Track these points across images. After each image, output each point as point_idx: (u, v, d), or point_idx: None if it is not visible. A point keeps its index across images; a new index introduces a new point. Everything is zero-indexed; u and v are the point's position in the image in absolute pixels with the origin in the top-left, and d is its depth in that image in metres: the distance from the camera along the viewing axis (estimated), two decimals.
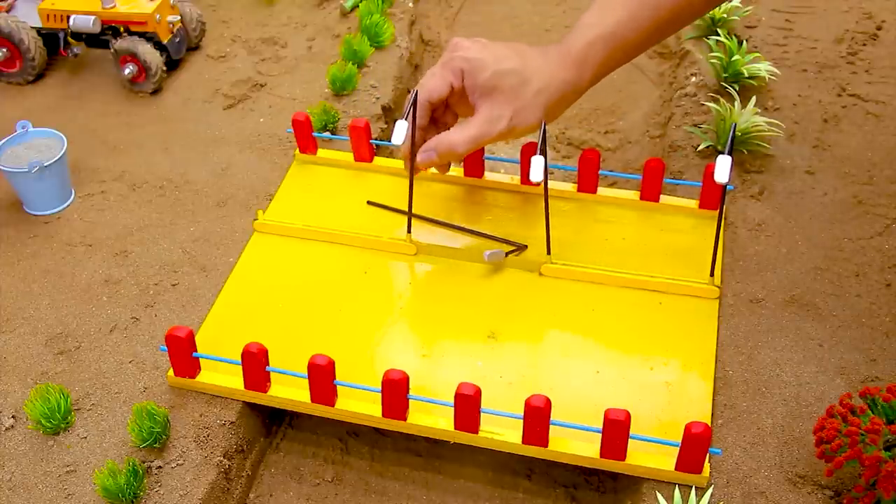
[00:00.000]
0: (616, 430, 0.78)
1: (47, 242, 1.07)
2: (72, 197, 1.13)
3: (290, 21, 1.45)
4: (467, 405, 0.81)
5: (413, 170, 0.97)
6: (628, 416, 0.77)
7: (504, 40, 0.95)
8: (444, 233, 1.03)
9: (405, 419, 0.84)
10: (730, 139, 0.86)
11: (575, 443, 0.82)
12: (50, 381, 0.90)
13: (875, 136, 1.16)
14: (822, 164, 1.12)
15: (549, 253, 0.97)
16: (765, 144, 1.12)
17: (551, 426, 0.80)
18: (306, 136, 1.13)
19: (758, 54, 1.24)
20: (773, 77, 1.22)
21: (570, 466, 0.86)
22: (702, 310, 0.94)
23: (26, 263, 1.04)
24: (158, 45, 1.28)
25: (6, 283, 1.02)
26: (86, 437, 0.86)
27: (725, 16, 1.31)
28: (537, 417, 0.79)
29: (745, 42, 1.24)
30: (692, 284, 0.95)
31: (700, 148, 1.13)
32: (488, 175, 1.10)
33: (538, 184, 0.86)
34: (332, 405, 0.86)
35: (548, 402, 0.79)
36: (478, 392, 0.80)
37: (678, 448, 0.78)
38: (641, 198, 1.05)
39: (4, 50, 1.30)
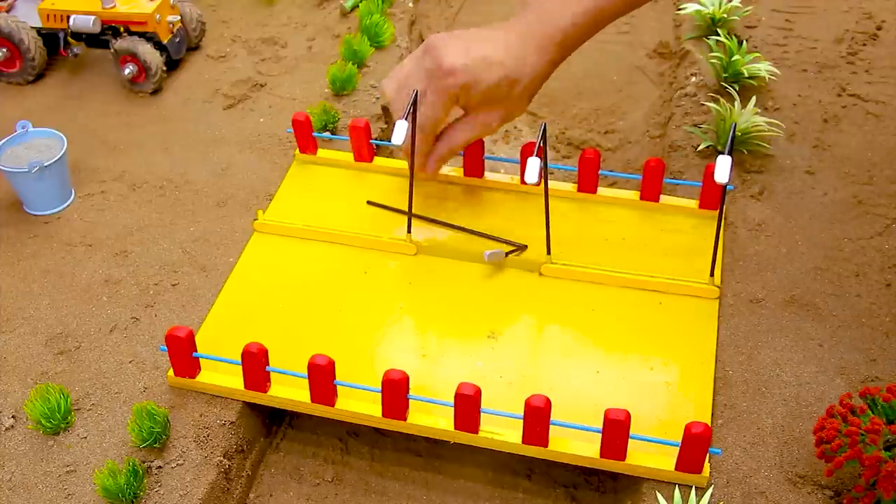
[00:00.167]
0: (616, 430, 0.78)
1: (47, 242, 1.07)
2: (72, 197, 1.13)
3: (290, 21, 1.45)
4: (467, 405, 0.81)
5: (413, 170, 0.97)
6: (628, 416, 0.77)
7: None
8: (444, 233, 1.03)
9: (405, 419, 0.84)
10: (730, 139, 0.86)
11: (575, 443, 0.82)
12: (50, 381, 0.90)
13: (875, 136, 1.16)
14: (822, 164, 1.12)
15: (549, 253, 0.98)
16: (765, 144, 1.12)
17: (551, 426, 0.80)
18: (306, 136, 1.13)
19: (758, 54, 1.24)
20: (773, 77, 1.22)
21: (570, 466, 0.86)
22: (702, 310, 0.94)
23: (26, 263, 1.04)
24: (158, 45, 1.28)
25: (6, 283, 1.02)
26: (86, 437, 0.86)
27: (725, 16, 1.31)
28: (537, 417, 0.79)
29: (745, 42, 1.24)
30: (692, 284, 0.95)
31: (700, 148, 1.13)
32: (488, 175, 1.10)
33: (536, 184, 0.86)
34: (332, 405, 0.86)
35: (548, 402, 0.79)
36: (478, 392, 0.80)
37: (678, 448, 0.78)
38: (641, 198, 1.05)
39: (4, 50, 1.30)
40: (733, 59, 1.20)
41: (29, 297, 1.00)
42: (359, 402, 0.86)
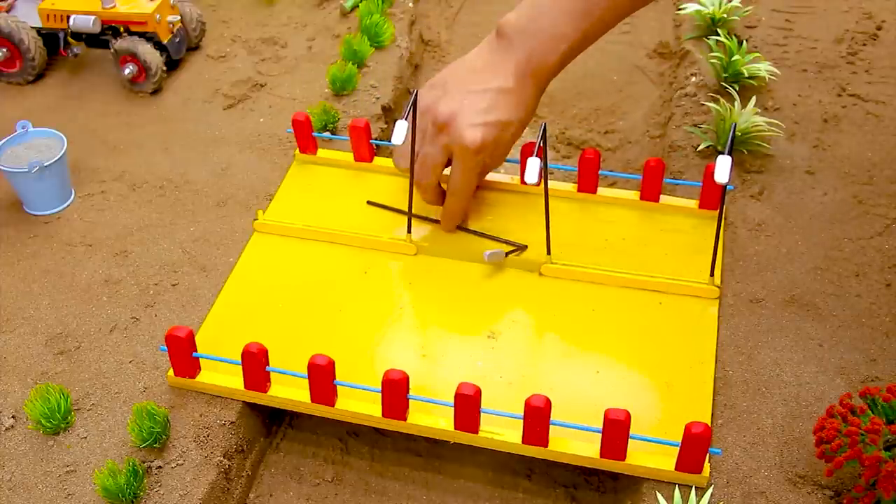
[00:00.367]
0: (616, 430, 0.78)
1: (47, 242, 1.07)
2: (72, 197, 1.13)
3: (290, 21, 1.45)
4: (467, 405, 0.81)
5: (413, 169, 0.97)
6: (628, 416, 0.77)
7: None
8: (444, 233, 1.03)
9: (405, 419, 0.84)
10: (730, 139, 0.86)
11: (575, 443, 0.82)
12: (50, 381, 0.90)
13: (875, 136, 1.16)
14: (822, 164, 1.12)
15: (549, 253, 0.97)
16: (765, 144, 1.12)
17: (551, 426, 0.80)
18: (306, 136, 1.13)
19: (758, 54, 1.24)
20: (773, 77, 1.22)
21: (570, 466, 0.86)
22: (702, 310, 0.94)
23: (26, 263, 1.04)
24: (158, 45, 1.28)
25: (6, 283, 1.02)
26: (86, 437, 0.86)
27: (725, 16, 1.31)
28: (537, 417, 0.79)
29: (745, 42, 1.24)
30: (692, 284, 0.95)
31: (700, 148, 1.13)
32: (488, 175, 1.10)
33: (536, 184, 0.86)
34: (332, 405, 0.86)
35: (548, 402, 0.79)
36: (478, 392, 0.80)
37: (678, 448, 0.78)
38: (641, 198, 1.05)
39: (4, 50, 1.30)
40: (733, 59, 1.20)
41: (29, 297, 1.00)
42: (359, 402, 0.86)
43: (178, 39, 1.32)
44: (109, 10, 1.27)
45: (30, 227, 1.09)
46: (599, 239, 1.03)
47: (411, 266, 1.01)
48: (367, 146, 1.11)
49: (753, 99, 1.14)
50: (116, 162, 1.18)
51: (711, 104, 1.16)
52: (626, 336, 0.92)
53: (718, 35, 1.26)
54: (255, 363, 0.85)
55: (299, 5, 1.49)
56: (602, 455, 0.81)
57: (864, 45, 1.32)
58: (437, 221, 1.04)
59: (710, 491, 0.78)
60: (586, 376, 0.89)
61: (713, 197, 1.03)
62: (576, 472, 0.89)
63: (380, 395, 0.83)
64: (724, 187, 0.87)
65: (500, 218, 1.05)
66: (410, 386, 0.82)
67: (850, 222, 1.04)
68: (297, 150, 1.15)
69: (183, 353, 0.87)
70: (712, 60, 1.23)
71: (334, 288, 0.99)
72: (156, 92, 1.30)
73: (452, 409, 0.82)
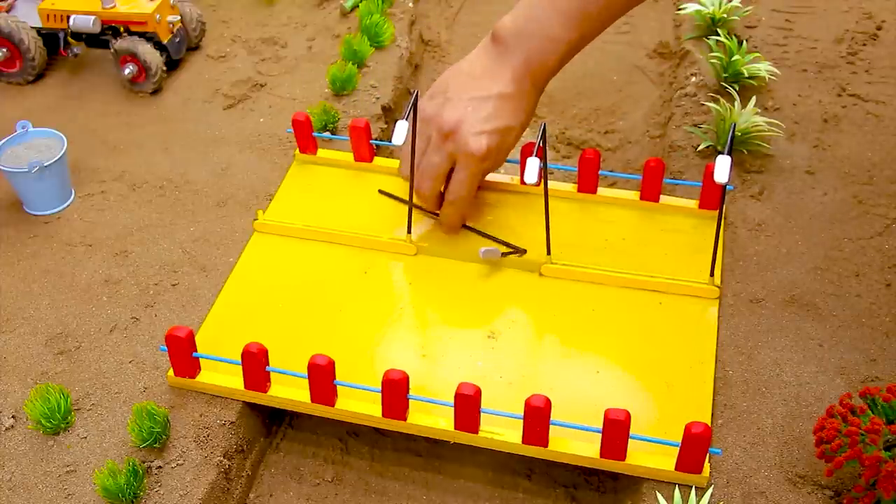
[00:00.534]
0: (616, 430, 0.78)
1: (47, 242, 1.07)
2: (72, 197, 1.13)
3: (290, 21, 1.45)
4: (467, 405, 0.81)
5: (413, 169, 0.97)
6: (628, 416, 0.77)
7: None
8: (444, 233, 1.03)
9: (405, 419, 0.84)
10: (730, 139, 0.86)
11: (575, 443, 0.82)
12: (50, 381, 0.90)
13: (875, 136, 1.16)
14: (822, 164, 1.12)
15: (549, 253, 0.98)
16: (765, 144, 1.12)
17: (551, 426, 0.80)
18: (306, 136, 1.13)
19: (758, 54, 1.24)
20: (773, 77, 1.22)
21: (570, 466, 0.86)
22: (702, 310, 0.94)
23: (26, 263, 1.04)
24: (158, 45, 1.28)
25: (6, 283, 1.02)
26: (86, 437, 0.86)
27: (725, 16, 1.31)
28: (537, 417, 0.79)
29: (745, 42, 1.24)
30: (692, 284, 0.95)
31: (700, 148, 1.13)
32: (488, 175, 1.10)
33: (536, 184, 0.86)
34: (332, 405, 0.86)
35: (548, 402, 0.79)
36: (478, 392, 0.80)
37: (678, 448, 0.78)
38: (641, 198, 1.05)
39: (4, 50, 1.30)
40: (733, 59, 1.20)
41: (29, 297, 1.00)
42: (359, 402, 0.86)
43: (178, 39, 1.32)
44: (109, 10, 1.27)
45: (30, 227, 1.09)
46: (599, 239, 1.03)
47: (411, 266, 1.01)
48: (367, 146, 1.11)
49: (753, 99, 1.14)
50: (116, 162, 1.18)
51: (711, 104, 1.16)
52: (626, 336, 0.92)
53: (718, 35, 1.26)
54: (255, 363, 0.85)
55: (299, 5, 1.49)
56: (602, 455, 0.81)
57: (864, 45, 1.32)
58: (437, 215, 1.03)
59: (710, 491, 0.78)
60: (586, 376, 0.89)
61: (713, 197, 1.03)
62: (576, 472, 0.89)
63: (380, 395, 0.83)
64: (724, 187, 0.87)
65: (500, 218, 1.05)
66: (410, 386, 0.82)
67: (850, 222, 1.04)
68: (297, 150, 1.15)
69: (183, 353, 0.87)
70: (712, 60, 1.23)
71: (334, 288, 0.99)
72: (156, 92, 1.30)
73: (452, 409, 0.82)
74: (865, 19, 1.37)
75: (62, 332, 0.96)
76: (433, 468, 0.91)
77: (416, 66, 1.41)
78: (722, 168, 0.82)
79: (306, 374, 0.84)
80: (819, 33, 1.35)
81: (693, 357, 0.90)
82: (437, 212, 1.02)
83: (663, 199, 1.05)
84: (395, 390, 0.82)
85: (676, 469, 0.79)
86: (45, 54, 1.32)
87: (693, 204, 1.05)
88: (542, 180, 0.89)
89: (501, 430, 0.83)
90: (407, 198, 0.99)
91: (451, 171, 0.97)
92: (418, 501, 0.88)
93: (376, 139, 1.15)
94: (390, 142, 0.99)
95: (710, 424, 0.82)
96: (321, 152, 1.15)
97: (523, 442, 0.82)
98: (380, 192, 1.08)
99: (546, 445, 0.82)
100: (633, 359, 0.90)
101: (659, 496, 0.78)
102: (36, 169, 1.05)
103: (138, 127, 1.25)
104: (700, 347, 0.90)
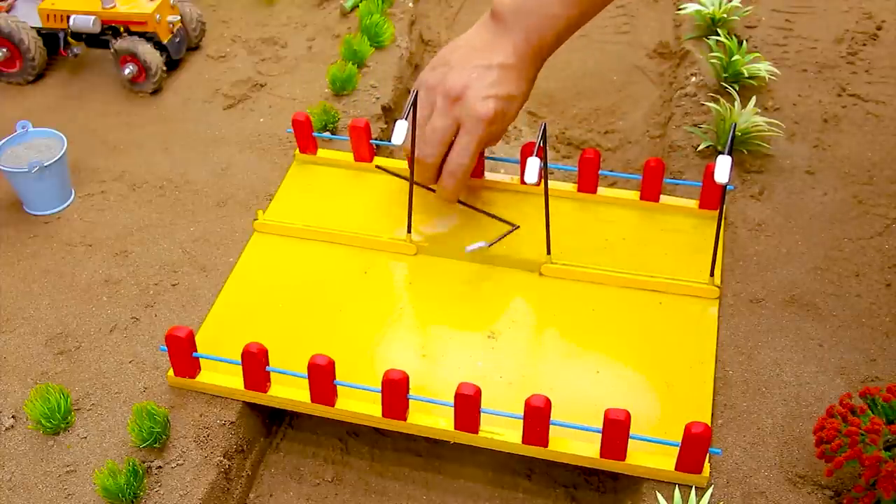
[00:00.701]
0: (616, 430, 0.78)
1: (47, 242, 1.07)
2: (72, 197, 1.13)
3: (290, 21, 1.45)
4: (467, 405, 0.81)
5: (413, 169, 0.97)
6: (628, 416, 0.77)
7: None
8: (444, 233, 1.03)
9: (405, 419, 0.84)
10: (730, 139, 0.86)
11: (575, 443, 0.82)
12: (50, 381, 0.90)
13: (875, 136, 1.16)
14: (822, 164, 1.12)
15: (549, 253, 0.98)
16: (765, 144, 1.12)
17: (551, 426, 0.80)
18: (306, 136, 1.13)
19: (758, 54, 1.24)
20: (773, 77, 1.22)
21: (570, 466, 0.86)
22: (702, 310, 0.94)
23: (26, 263, 1.04)
24: (158, 45, 1.28)
25: (6, 283, 1.02)
26: (86, 437, 0.86)
27: (725, 16, 1.31)
28: (537, 417, 0.79)
29: (745, 42, 1.24)
30: (692, 284, 0.95)
31: (700, 148, 1.13)
32: (488, 175, 1.10)
33: (536, 184, 0.86)
34: (332, 405, 0.86)
35: (548, 402, 0.79)
36: (478, 392, 0.80)
37: (678, 448, 0.78)
38: (641, 198, 1.05)
39: (4, 50, 1.30)
40: (733, 59, 1.20)
41: (29, 297, 1.00)
42: (359, 402, 0.86)
43: (178, 39, 1.32)
44: (109, 10, 1.27)
45: (30, 227, 1.09)
46: (599, 239, 1.03)
47: (411, 266, 1.01)
48: (367, 146, 1.11)
49: (753, 99, 1.14)
50: (116, 162, 1.18)
51: (711, 104, 1.16)
52: (626, 336, 0.92)
53: (718, 35, 1.26)
54: (255, 363, 0.85)
55: (299, 5, 1.49)
56: (602, 455, 0.81)
57: (864, 45, 1.32)
58: (431, 190, 1.02)
59: (710, 491, 0.78)
60: (586, 376, 0.89)
61: (713, 197, 1.03)
62: (576, 472, 0.89)
63: (380, 395, 0.83)
64: (724, 187, 0.87)
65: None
66: (410, 386, 0.82)
67: (850, 222, 1.04)
68: (297, 150, 1.15)
69: (183, 353, 0.87)
70: (712, 60, 1.23)
71: (334, 288, 0.99)
72: (156, 92, 1.30)
73: (452, 409, 0.82)
74: (865, 19, 1.37)
75: (62, 332, 0.96)
76: (433, 468, 0.91)
77: (416, 66, 1.41)
78: (722, 168, 0.82)
79: (306, 374, 0.84)
80: (819, 33, 1.35)
81: (693, 357, 0.90)
82: (434, 186, 1.00)
83: (663, 199, 1.05)
84: (395, 390, 0.82)
85: (676, 469, 0.79)
86: (45, 54, 1.32)
87: (693, 204, 1.05)
88: (543, 180, 0.89)
89: (501, 430, 0.83)
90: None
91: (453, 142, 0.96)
92: (418, 501, 0.88)
93: (376, 139, 1.15)
94: (390, 142, 0.99)
95: (710, 424, 0.82)
96: (321, 152, 1.15)
97: (523, 442, 0.82)
98: (377, 167, 1.08)
99: (546, 445, 0.82)
100: (633, 359, 0.90)
101: (659, 496, 0.78)
102: (36, 169, 1.05)
103: (138, 127, 1.25)
104: (700, 347, 0.90)
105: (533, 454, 0.83)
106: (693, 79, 1.26)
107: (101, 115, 1.27)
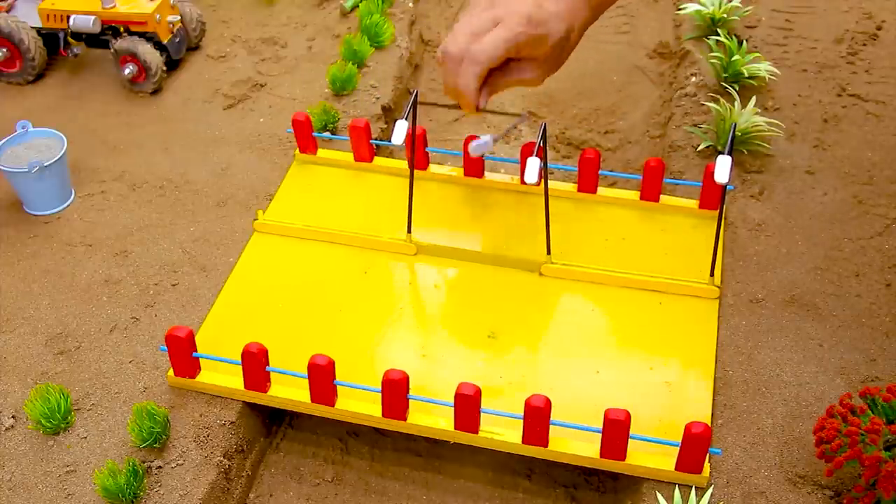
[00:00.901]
0: (616, 430, 0.78)
1: (47, 242, 1.07)
2: (72, 197, 1.13)
3: (290, 21, 1.45)
4: (467, 405, 0.81)
5: (413, 169, 0.97)
6: (628, 416, 0.77)
7: None
8: (444, 233, 1.03)
9: (405, 419, 0.84)
10: (730, 139, 0.86)
11: (575, 443, 0.82)
12: (50, 381, 0.90)
13: (875, 136, 1.16)
14: (822, 164, 1.12)
15: (549, 253, 0.98)
16: (765, 144, 1.12)
17: (551, 426, 0.80)
18: (306, 136, 1.13)
19: (758, 54, 1.24)
20: (773, 77, 1.22)
21: (570, 466, 0.86)
22: (702, 310, 0.94)
23: (26, 263, 1.04)
24: (158, 45, 1.28)
25: (6, 283, 1.02)
26: (86, 437, 0.86)
27: (725, 16, 1.31)
28: (537, 417, 0.79)
29: (745, 42, 1.24)
30: (692, 284, 0.95)
31: (700, 148, 1.13)
32: (488, 175, 1.10)
33: (536, 184, 0.86)
34: (332, 405, 0.86)
35: (548, 402, 0.79)
36: (478, 392, 0.80)
37: (678, 448, 0.78)
38: (641, 198, 1.05)
39: (4, 50, 1.30)
40: (733, 59, 1.20)
41: (29, 297, 1.00)
42: (359, 402, 0.86)
43: (178, 39, 1.32)
44: (109, 10, 1.27)
45: (30, 227, 1.09)
46: (599, 239, 1.03)
47: (411, 266, 1.01)
48: (367, 146, 1.11)
49: (753, 99, 1.14)
50: (116, 162, 1.18)
51: (711, 104, 1.16)
52: (626, 336, 0.92)
53: (718, 35, 1.26)
54: (255, 363, 0.85)
55: (299, 5, 1.49)
56: (602, 455, 0.81)
57: (864, 45, 1.32)
58: (455, 106, 0.92)
59: (710, 491, 0.78)
60: (586, 376, 0.89)
61: (713, 197, 1.03)
62: (576, 472, 0.89)
63: (380, 395, 0.83)
64: (724, 187, 0.87)
65: (499, 218, 1.05)
66: (410, 386, 0.82)
67: (850, 222, 1.04)
68: (297, 150, 1.15)
69: (183, 353, 0.87)
70: (712, 60, 1.23)
71: (334, 288, 0.99)
72: (156, 92, 1.30)
73: (452, 409, 0.82)
74: (865, 19, 1.37)
75: (62, 332, 0.96)
76: (433, 468, 0.91)
77: (416, 66, 1.41)
78: (722, 168, 0.82)
79: (306, 374, 0.84)
80: (819, 33, 1.35)
81: (693, 357, 0.90)
82: (472, 106, 0.89)
83: (663, 199, 1.05)
84: (395, 390, 0.82)
85: (676, 469, 0.79)
86: (45, 54, 1.32)
87: (693, 204, 1.05)
88: (543, 180, 0.89)
89: (501, 430, 0.83)
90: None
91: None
92: (418, 501, 0.88)
93: (376, 139, 1.15)
94: (390, 142, 0.99)
95: (710, 424, 0.82)
96: (321, 152, 1.15)
97: (523, 442, 0.82)
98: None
99: (546, 445, 0.82)
100: (633, 359, 0.90)
101: (659, 496, 0.78)
102: (36, 169, 1.05)
103: (138, 127, 1.25)
104: (700, 347, 0.90)
105: (533, 454, 0.83)
106: (693, 79, 1.26)
107: (101, 115, 1.27)
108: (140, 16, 1.26)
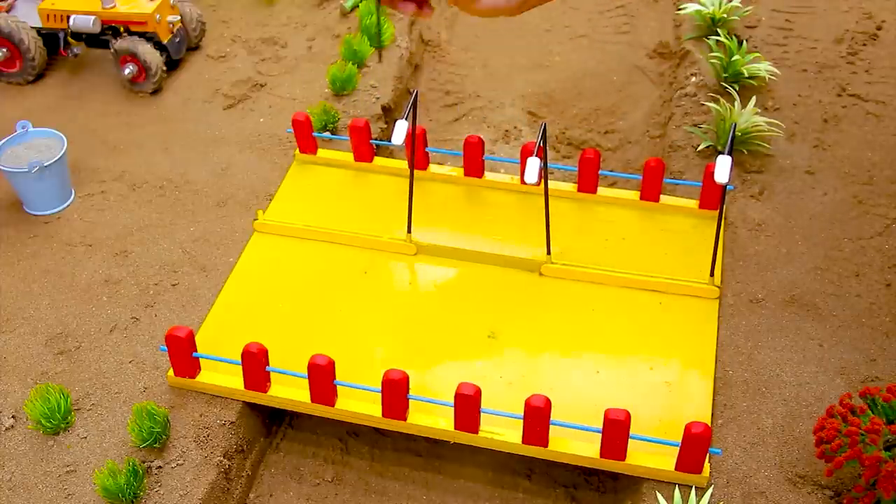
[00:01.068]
0: (616, 430, 0.78)
1: (47, 242, 1.07)
2: (72, 197, 1.13)
3: (290, 21, 1.45)
4: (467, 405, 0.81)
5: (413, 170, 0.97)
6: (628, 416, 0.77)
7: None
8: (444, 233, 1.03)
9: (405, 419, 0.84)
10: (730, 139, 0.86)
11: (575, 443, 0.82)
12: (50, 381, 0.90)
13: (875, 136, 1.16)
14: (822, 164, 1.12)
15: (549, 253, 0.98)
16: (765, 144, 1.12)
17: (551, 426, 0.80)
18: (306, 136, 1.12)
19: (758, 54, 1.24)
20: (773, 77, 1.22)
21: (570, 466, 0.86)
22: (702, 310, 0.94)
23: (26, 263, 1.04)
24: (158, 45, 1.28)
25: (6, 283, 1.02)
26: (86, 437, 0.86)
27: (725, 16, 1.31)
28: (537, 417, 0.79)
29: (745, 42, 1.24)
30: (692, 284, 0.95)
31: (700, 148, 1.13)
32: (488, 175, 1.10)
33: (536, 184, 0.86)
34: (332, 405, 0.86)
35: (548, 402, 0.79)
36: (478, 392, 0.80)
37: (678, 448, 0.78)
38: (641, 198, 1.05)
39: (4, 50, 1.30)
40: (733, 59, 1.20)
41: (29, 297, 1.00)
42: (359, 402, 0.86)
43: (178, 39, 1.32)
44: (109, 10, 1.27)
45: (30, 227, 1.09)
46: (599, 239, 1.03)
47: (411, 266, 1.01)
48: (367, 146, 1.11)
49: (753, 99, 1.14)
50: (116, 162, 1.18)
51: (711, 104, 1.16)
52: (626, 336, 0.92)
53: (718, 35, 1.26)
54: (255, 363, 0.85)
55: (299, 5, 1.49)
56: (602, 455, 0.80)
57: (864, 45, 1.32)
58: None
59: (710, 491, 0.78)
60: (586, 376, 0.89)
61: (713, 197, 1.03)
62: (576, 472, 0.89)
63: (380, 395, 0.83)
64: (724, 187, 0.87)
65: (499, 218, 1.05)
66: (410, 386, 0.82)
67: (850, 222, 1.04)
68: (297, 150, 1.15)
69: (183, 353, 0.87)
70: (712, 60, 1.23)
71: (334, 288, 0.99)
72: (156, 92, 1.30)
73: (452, 409, 0.82)
74: (865, 19, 1.37)
75: (62, 332, 0.96)
76: (433, 468, 0.91)
77: (416, 66, 1.41)
78: (722, 168, 0.82)
79: (306, 374, 0.84)
80: (819, 33, 1.35)
81: (693, 357, 0.90)
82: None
83: (663, 199, 1.05)
84: (395, 390, 0.82)
85: (676, 469, 0.79)
86: (45, 54, 1.32)
87: (693, 204, 1.05)
88: (543, 180, 0.89)
89: (501, 430, 0.83)
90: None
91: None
92: (418, 501, 0.88)
93: (376, 139, 1.15)
94: (390, 142, 0.99)
95: (710, 424, 0.82)
96: (321, 152, 1.15)
97: (523, 442, 0.82)
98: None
99: (546, 445, 0.82)
100: (633, 359, 0.90)
101: (659, 496, 0.78)
102: (36, 169, 1.05)
103: (138, 127, 1.25)
104: (700, 347, 0.90)
105: (533, 454, 0.83)
106: (693, 79, 1.26)
107: (101, 115, 1.27)
108: (140, 16, 1.26)
